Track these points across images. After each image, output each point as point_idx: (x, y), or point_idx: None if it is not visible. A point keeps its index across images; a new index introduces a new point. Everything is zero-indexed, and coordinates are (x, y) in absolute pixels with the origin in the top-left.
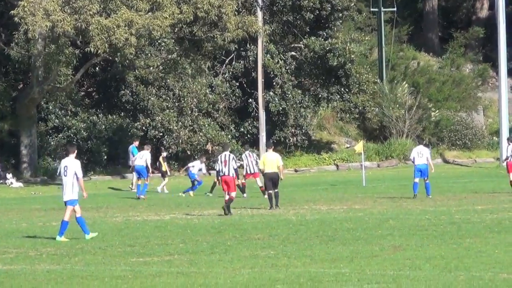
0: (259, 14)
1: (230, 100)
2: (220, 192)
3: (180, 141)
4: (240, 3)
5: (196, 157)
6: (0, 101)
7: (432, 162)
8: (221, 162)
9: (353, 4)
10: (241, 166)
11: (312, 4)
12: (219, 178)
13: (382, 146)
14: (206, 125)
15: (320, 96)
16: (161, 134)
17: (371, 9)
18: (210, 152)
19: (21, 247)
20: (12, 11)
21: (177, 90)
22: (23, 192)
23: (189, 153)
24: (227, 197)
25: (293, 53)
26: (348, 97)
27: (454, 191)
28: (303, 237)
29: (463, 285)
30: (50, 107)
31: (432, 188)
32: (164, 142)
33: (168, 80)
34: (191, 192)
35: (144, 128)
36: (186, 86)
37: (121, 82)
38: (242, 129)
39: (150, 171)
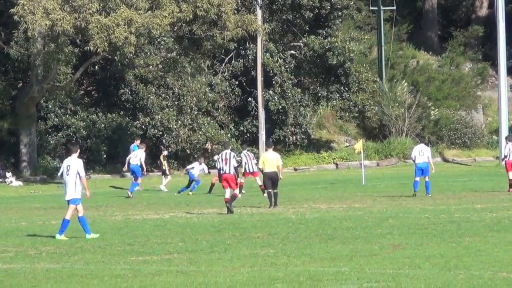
0: (259, 12)
1: (230, 98)
2: (219, 191)
3: (180, 140)
4: (239, 1)
5: (195, 156)
6: (0, 100)
7: (432, 161)
8: (222, 160)
9: (352, 2)
10: (240, 165)
11: (311, 2)
12: (220, 176)
13: (382, 145)
14: (206, 124)
15: (319, 94)
16: (160, 133)
17: (371, 8)
18: (209, 151)
19: (20, 246)
20: (11, 10)
21: (176, 89)
22: (22, 190)
23: (188, 152)
24: (227, 195)
25: (292, 51)
26: (348, 95)
27: (454, 190)
28: (303, 235)
29: (463, 283)
30: (50, 106)
31: (432, 187)
32: (164, 141)
33: (168, 79)
34: (189, 192)
35: (143, 127)
36: (186, 84)
37: (121, 80)
38: (241, 128)
39: (145, 169)
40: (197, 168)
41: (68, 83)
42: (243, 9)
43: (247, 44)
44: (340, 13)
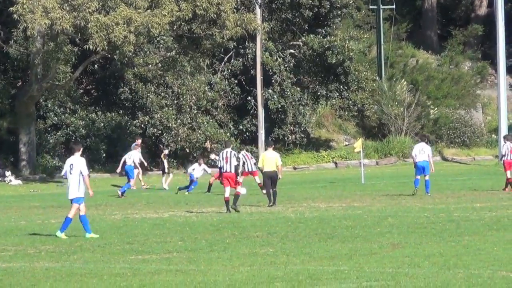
0: (258, 11)
1: (229, 97)
2: (218, 190)
3: (179, 139)
4: (238, 0)
5: (194, 155)
6: None
7: (432, 160)
8: (223, 158)
9: (352, 1)
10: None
11: (311, 1)
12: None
13: (381, 144)
14: (205, 123)
15: (319, 93)
16: (160, 132)
17: (370, 7)
18: (209, 149)
19: (20, 244)
20: (11, 8)
21: (176, 88)
22: (22, 189)
23: (188, 151)
24: (227, 194)
25: (291, 50)
26: (347, 94)
27: (453, 188)
28: (302, 234)
29: (462, 282)
30: (49, 105)
31: (431, 186)
32: (163, 140)
33: (167, 78)
34: (186, 192)
35: (143, 126)
36: (185, 83)
37: (120, 79)
38: (241, 127)
39: (139, 170)
40: (197, 169)
41: (67, 82)
42: (242, 8)
43: (247, 43)
44: (339, 12)
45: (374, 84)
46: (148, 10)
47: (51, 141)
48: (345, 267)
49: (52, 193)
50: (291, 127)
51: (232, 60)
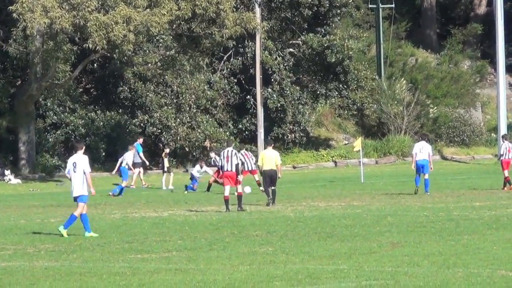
0: (257, 10)
1: (228, 96)
2: (218, 189)
3: (178, 137)
4: None
5: (194, 154)
6: None
7: (432, 159)
8: (224, 158)
9: (351, 0)
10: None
11: (310, 0)
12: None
13: (380, 143)
14: (204, 122)
15: (318, 92)
16: (159, 131)
17: (369, 6)
18: (208, 148)
19: (19, 243)
20: (10, 7)
21: (175, 87)
22: (21, 188)
23: (187, 149)
24: (226, 193)
25: (291, 49)
26: (346, 93)
27: (452, 187)
28: (301, 233)
29: (461, 281)
30: (48, 104)
31: (431, 185)
32: (163, 139)
33: (166, 77)
34: (185, 191)
35: (142, 124)
36: (184, 82)
37: (119, 78)
38: (240, 126)
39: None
40: (200, 172)
41: (66, 81)
42: (241, 7)
43: (246, 42)
44: (338, 11)
45: (374, 83)
46: (148, 9)
47: (50, 140)
48: (345, 266)
49: (51, 192)
50: (291, 126)
51: (232, 59)
